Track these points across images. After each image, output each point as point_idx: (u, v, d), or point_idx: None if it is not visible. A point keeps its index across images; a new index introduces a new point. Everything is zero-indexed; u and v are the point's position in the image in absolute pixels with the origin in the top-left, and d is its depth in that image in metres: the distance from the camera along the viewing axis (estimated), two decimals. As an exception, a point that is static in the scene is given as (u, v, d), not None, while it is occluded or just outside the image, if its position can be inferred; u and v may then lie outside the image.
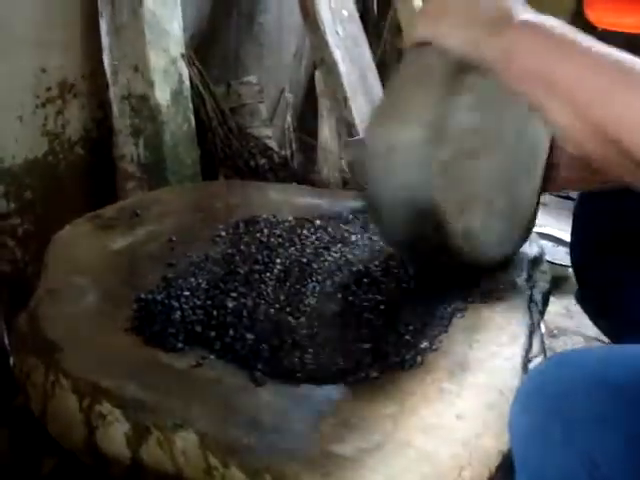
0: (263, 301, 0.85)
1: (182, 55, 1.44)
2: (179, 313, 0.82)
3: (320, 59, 1.61)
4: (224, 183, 1.51)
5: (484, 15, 0.70)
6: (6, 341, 0.96)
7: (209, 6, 1.72)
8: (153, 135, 1.40)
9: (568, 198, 1.87)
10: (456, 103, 0.75)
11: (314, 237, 1.02)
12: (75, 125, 1.40)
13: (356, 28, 1.71)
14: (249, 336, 0.78)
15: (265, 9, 1.92)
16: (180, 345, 0.78)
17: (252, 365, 0.74)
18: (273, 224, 1.06)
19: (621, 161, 0.58)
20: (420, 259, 0.89)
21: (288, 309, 0.84)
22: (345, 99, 1.58)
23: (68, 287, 0.89)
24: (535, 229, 1.13)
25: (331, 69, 1.58)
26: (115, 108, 1.39)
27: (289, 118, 2.02)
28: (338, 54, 1.57)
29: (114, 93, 1.39)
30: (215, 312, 0.82)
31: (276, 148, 1.76)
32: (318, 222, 1.07)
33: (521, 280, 0.95)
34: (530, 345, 0.84)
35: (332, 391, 0.72)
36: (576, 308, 1.13)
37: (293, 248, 0.99)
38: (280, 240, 1.00)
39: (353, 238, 1.03)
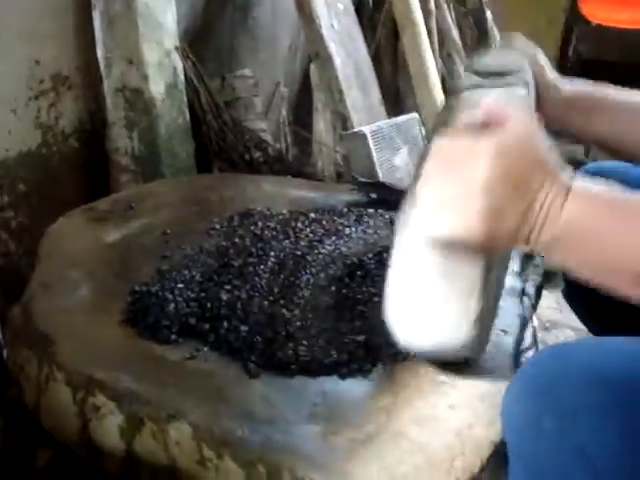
0: (257, 293, 0.85)
1: (176, 48, 1.44)
2: (173, 305, 0.82)
3: (315, 52, 1.61)
4: (218, 176, 1.51)
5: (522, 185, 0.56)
6: (0, 334, 0.96)
7: (203, -1, 1.72)
8: (147, 128, 1.39)
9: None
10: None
11: (308, 230, 1.02)
12: (69, 117, 1.40)
13: (351, 21, 1.71)
14: (243, 328, 0.78)
15: (260, 2, 1.92)
16: (174, 337, 0.78)
17: (246, 357, 0.74)
18: (267, 217, 1.06)
19: None
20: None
21: (282, 301, 0.84)
22: (340, 92, 1.58)
23: (62, 280, 0.89)
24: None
25: (326, 62, 1.58)
26: (109, 101, 1.39)
27: (284, 111, 2.01)
28: (333, 47, 1.57)
29: (108, 86, 1.38)
30: (209, 304, 0.82)
31: (271, 141, 1.76)
32: (312, 215, 1.07)
33: (513, 273, 0.96)
34: (522, 337, 0.84)
35: (325, 383, 0.72)
36: (568, 302, 1.14)
37: (287, 241, 0.99)
38: (274, 233, 1.01)
39: (347, 231, 1.03)
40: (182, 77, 1.47)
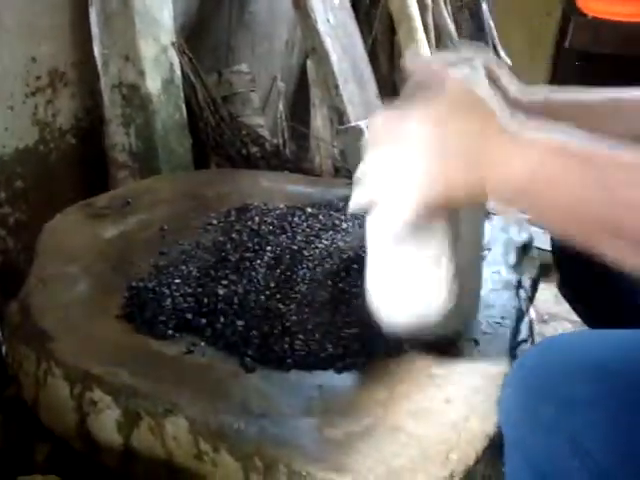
0: (254, 288, 0.86)
1: (173, 44, 1.44)
2: (170, 300, 0.82)
3: (311, 48, 1.61)
4: (216, 171, 1.51)
5: (471, 148, 0.57)
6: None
7: (200, -5, 1.71)
8: (144, 124, 1.39)
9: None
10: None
11: (305, 225, 1.03)
12: (66, 114, 1.40)
13: (347, 16, 1.71)
14: (239, 323, 0.79)
15: (256, -3, 1.92)
16: (171, 332, 0.78)
17: (242, 351, 0.75)
18: (264, 212, 1.06)
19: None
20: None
21: (278, 296, 0.85)
22: (336, 87, 1.58)
23: (59, 276, 0.89)
24: (525, 216, 1.14)
25: (322, 58, 1.57)
26: (106, 97, 1.39)
27: (281, 107, 2.01)
28: (329, 43, 1.57)
29: (105, 82, 1.38)
30: (206, 299, 0.82)
31: (268, 137, 1.76)
32: (309, 210, 1.07)
33: (509, 266, 0.96)
34: (518, 330, 0.85)
35: (322, 377, 0.73)
36: (566, 294, 1.14)
37: (284, 236, 0.99)
38: (271, 228, 1.01)
39: (344, 225, 1.03)
40: (179, 73, 1.46)
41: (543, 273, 1.07)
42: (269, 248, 0.95)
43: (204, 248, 0.96)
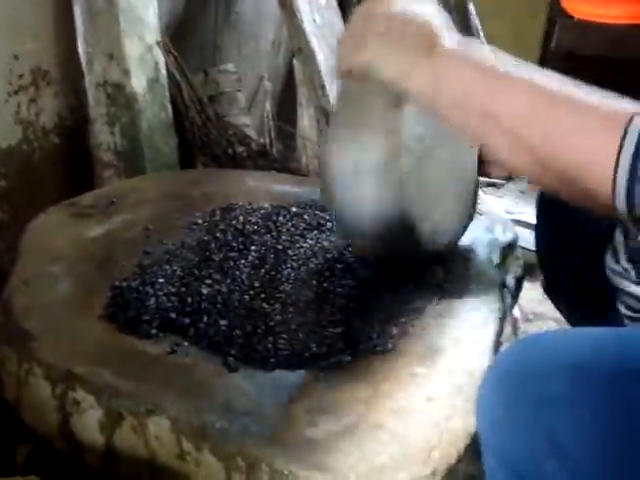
0: (237, 288, 0.86)
1: (158, 43, 1.43)
2: (154, 300, 0.82)
3: (297, 47, 1.61)
4: (201, 171, 1.50)
5: (411, 39, 0.68)
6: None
7: (186, -7, 1.71)
8: (129, 123, 1.39)
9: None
10: (403, 116, 0.78)
11: (290, 224, 1.02)
12: (49, 113, 1.39)
13: (334, 16, 1.71)
14: (223, 322, 0.78)
15: (243, -3, 1.91)
16: (154, 332, 0.78)
17: (225, 351, 0.75)
18: (249, 211, 1.06)
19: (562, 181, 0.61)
20: (390, 260, 0.92)
21: (262, 295, 0.85)
22: (323, 87, 1.58)
23: (42, 276, 0.89)
24: (511, 216, 1.15)
25: (309, 57, 1.57)
26: (90, 96, 1.38)
27: (268, 106, 2.01)
28: (315, 42, 1.57)
29: (89, 81, 1.37)
30: (189, 299, 0.82)
31: (254, 136, 1.75)
32: (294, 209, 1.07)
33: (493, 265, 0.97)
34: (501, 329, 0.85)
35: (305, 376, 0.73)
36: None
37: (269, 235, 0.99)
38: (256, 227, 1.01)
39: (329, 225, 1.03)
40: (164, 72, 1.46)
41: (528, 272, 1.08)
42: (253, 248, 0.95)
43: (188, 248, 0.96)
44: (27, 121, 1.34)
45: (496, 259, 0.98)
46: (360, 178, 0.79)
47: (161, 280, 0.86)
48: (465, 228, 0.98)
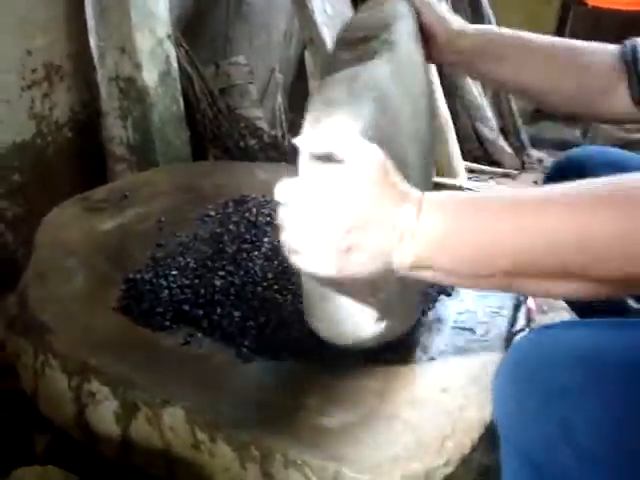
0: (251, 279, 0.86)
1: (169, 36, 1.43)
2: (167, 292, 0.82)
3: (309, 38, 1.60)
4: (213, 164, 1.50)
5: (374, 238, 0.54)
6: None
7: (197, -14, 1.71)
8: (141, 117, 1.39)
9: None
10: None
11: (302, 216, 1.02)
12: (62, 107, 1.39)
13: (344, 6, 1.70)
14: (236, 314, 0.79)
15: (254, -12, 1.91)
16: (168, 323, 0.78)
17: (239, 342, 0.75)
18: (261, 203, 1.06)
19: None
20: None
21: (275, 287, 0.85)
22: (334, 78, 1.57)
23: (57, 269, 0.90)
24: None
25: (320, 48, 1.57)
26: (103, 90, 1.39)
27: (279, 98, 2.01)
28: (327, 33, 1.56)
29: (101, 75, 1.38)
30: (203, 291, 0.83)
31: (266, 128, 1.75)
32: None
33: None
34: (515, 320, 0.85)
35: (318, 367, 0.73)
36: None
37: (281, 227, 0.99)
38: (268, 219, 1.01)
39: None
40: (175, 65, 1.46)
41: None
42: (266, 239, 0.95)
43: (201, 240, 0.96)
44: (41, 116, 1.35)
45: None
46: None
47: (174, 272, 0.86)
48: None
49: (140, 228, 1.01)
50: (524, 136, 2.30)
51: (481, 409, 0.67)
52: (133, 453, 0.71)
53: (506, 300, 0.86)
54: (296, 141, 0.59)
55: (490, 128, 2.20)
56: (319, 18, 1.56)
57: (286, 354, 0.74)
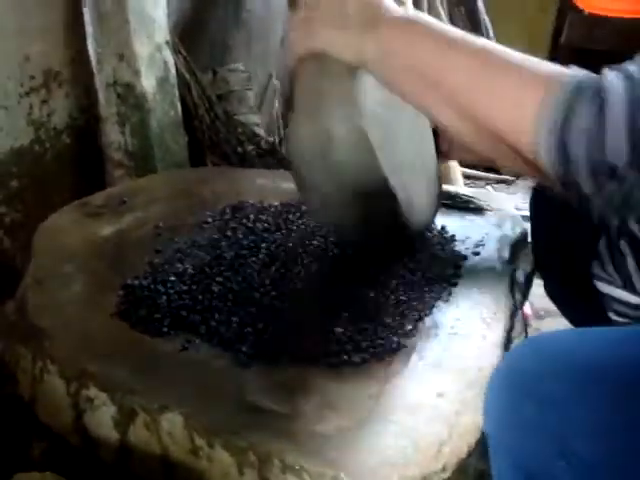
0: (248, 285, 0.86)
1: (167, 42, 1.44)
2: (165, 298, 0.83)
3: (306, 45, 1.61)
4: (211, 170, 1.51)
5: (356, 16, 0.71)
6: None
7: (194, -7, 1.71)
8: (139, 123, 1.40)
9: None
10: (363, 83, 0.78)
11: (300, 222, 1.03)
12: (61, 113, 1.40)
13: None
14: (234, 319, 0.79)
15: (252, -5, 1.92)
16: (166, 329, 0.79)
17: (237, 348, 0.75)
18: (259, 210, 1.07)
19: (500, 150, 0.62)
20: (369, 238, 0.91)
21: (273, 293, 0.85)
22: (332, 85, 1.58)
23: (55, 275, 0.90)
24: (521, 212, 1.14)
25: (317, 55, 1.57)
26: (101, 96, 1.39)
27: (277, 105, 2.01)
28: (324, 39, 1.57)
29: (100, 81, 1.38)
30: (201, 297, 0.83)
31: (264, 135, 1.76)
32: (304, 207, 1.07)
33: (503, 262, 0.97)
34: (512, 325, 0.85)
35: (315, 372, 0.73)
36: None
37: (279, 233, 1.00)
38: (266, 225, 1.01)
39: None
40: (173, 71, 1.47)
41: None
42: (264, 245, 0.96)
43: (199, 246, 0.96)
44: (39, 122, 1.35)
45: (506, 255, 0.98)
46: (330, 151, 0.79)
47: (172, 278, 0.87)
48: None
49: (138, 234, 1.01)
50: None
51: (477, 414, 0.67)
52: (131, 459, 0.71)
53: (502, 306, 0.87)
54: None
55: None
56: (316, 25, 1.57)
57: (283, 360, 0.74)
